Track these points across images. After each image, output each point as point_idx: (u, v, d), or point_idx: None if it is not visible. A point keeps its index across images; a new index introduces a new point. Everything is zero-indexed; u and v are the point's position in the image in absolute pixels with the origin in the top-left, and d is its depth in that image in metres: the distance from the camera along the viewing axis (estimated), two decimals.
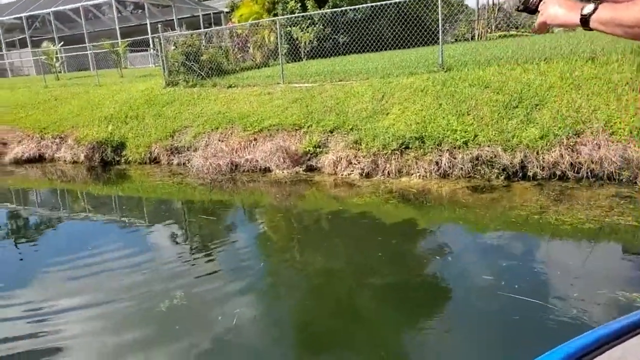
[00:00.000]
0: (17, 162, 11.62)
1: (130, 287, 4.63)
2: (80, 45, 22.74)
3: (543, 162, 6.65)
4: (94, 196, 9.01)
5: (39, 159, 11.58)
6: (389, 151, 7.56)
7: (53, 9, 25.24)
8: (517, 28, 16.40)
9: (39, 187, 10.11)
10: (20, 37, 29.72)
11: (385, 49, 12.28)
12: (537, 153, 6.70)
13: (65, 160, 11.10)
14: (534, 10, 1.29)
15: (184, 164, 9.56)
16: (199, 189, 8.41)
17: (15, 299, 4.63)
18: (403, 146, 7.53)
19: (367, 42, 12.08)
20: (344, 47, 12.89)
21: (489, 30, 17.74)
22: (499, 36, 16.04)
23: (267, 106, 9.65)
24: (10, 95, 15.72)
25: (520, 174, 6.79)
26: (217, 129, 9.58)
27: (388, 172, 7.54)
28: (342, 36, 13.25)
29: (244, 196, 7.89)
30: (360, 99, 8.91)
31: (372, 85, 9.19)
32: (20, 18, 26.45)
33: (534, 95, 7.44)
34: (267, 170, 8.46)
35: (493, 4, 20.58)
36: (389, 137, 7.66)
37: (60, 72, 20.16)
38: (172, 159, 9.77)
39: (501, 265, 4.52)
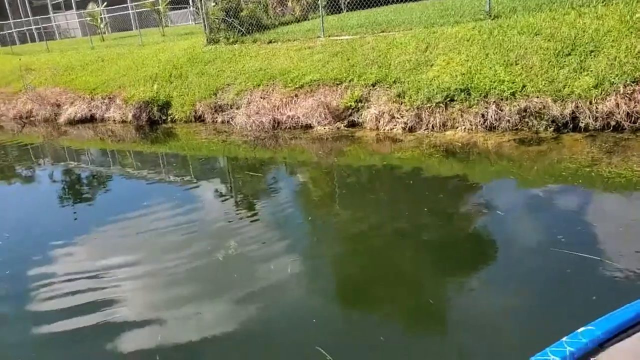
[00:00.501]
0: (71, 122, 12.18)
1: (183, 242, 4.86)
2: (123, 5, 23.03)
3: (596, 112, 6.36)
4: (143, 155, 9.36)
5: (90, 119, 12.09)
6: (434, 104, 7.42)
7: None
8: None
9: (90, 147, 10.59)
10: None
11: None
12: (590, 103, 6.40)
13: (114, 120, 11.55)
14: None
15: (227, 121, 9.74)
16: (243, 147, 8.58)
17: (72, 256, 4.97)
18: (448, 99, 7.36)
19: None
20: None
21: None
22: None
23: (308, 61, 9.57)
24: (60, 57, 16.25)
25: (571, 126, 6.53)
26: (258, 85, 9.64)
27: (432, 125, 7.43)
28: None
29: (287, 153, 8.00)
30: (403, 50, 8.69)
31: (415, 36, 8.91)
32: None
33: (589, 41, 7.02)
34: (308, 126, 8.51)
35: None
36: (433, 90, 7.50)
37: (104, 33, 20.56)
38: (216, 117, 9.96)
39: (552, 220, 4.44)
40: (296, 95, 8.90)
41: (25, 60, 16.45)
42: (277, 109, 8.92)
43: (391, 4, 12.61)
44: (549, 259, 3.75)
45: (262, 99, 9.29)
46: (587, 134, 6.42)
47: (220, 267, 4.25)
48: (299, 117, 8.55)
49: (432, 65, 8.05)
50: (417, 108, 7.54)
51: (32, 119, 13.54)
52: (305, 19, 13.36)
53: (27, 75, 14.80)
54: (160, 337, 3.34)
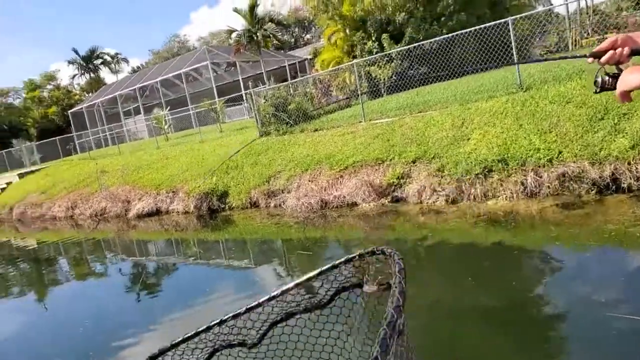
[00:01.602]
0: (139, 216, 13.37)
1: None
2: (184, 108, 25.51)
3: (637, 172, 6.46)
4: (204, 242, 10.15)
5: (156, 212, 13.23)
6: (473, 175, 7.75)
7: (160, 78, 28.66)
8: (617, 29, 15.63)
9: (156, 238, 11.57)
10: (134, 105, 33.90)
11: (463, 75, 12.49)
12: (629, 164, 6.53)
13: (177, 212, 12.59)
14: (613, 87, 1.50)
15: (279, 205, 10.44)
16: (295, 227, 9.14)
17: (143, 345, 5.49)
18: (486, 170, 7.68)
19: (444, 70, 12.40)
20: (421, 78, 13.32)
21: (585, 36, 17.04)
22: (597, 40, 15.38)
23: (351, 144, 10.29)
24: (130, 158, 18.09)
25: (613, 187, 6.63)
26: (306, 170, 10.38)
27: (474, 196, 7.71)
28: (419, 68, 13.70)
29: (336, 231, 8.47)
30: (440, 127, 9.22)
31: (451, 113, 9.47)
32: (134, 89, 30.30)
33: (622, 105, 7.26)
34: (354, 204, 9.01)
35: (587, 6, 19.74)
36: (471, 162, 7.87)
37: (168, 133, 22.73)
38: (269, 202, 10.71)
39: (605, 283, 4.45)
40: (341, 177, 9.52)
41: (101, 163, 18.40)
42: (324, 190, 9.53)
43: (427, 84, 13.42)
44: (608, 325, 3.68)
45: (310, 182, 9.97)
46: (631, 194, 6.47)
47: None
48: (344, 196, 9.09)
49: (468, 139, 8.48)
50: (457, 180, 7.89)
51: (105, 215, 14.93)
52: (348, 106, 14.39)
53: (101, 176, 16.53)
54: None
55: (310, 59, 29.25)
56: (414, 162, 8.76)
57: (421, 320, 4.59)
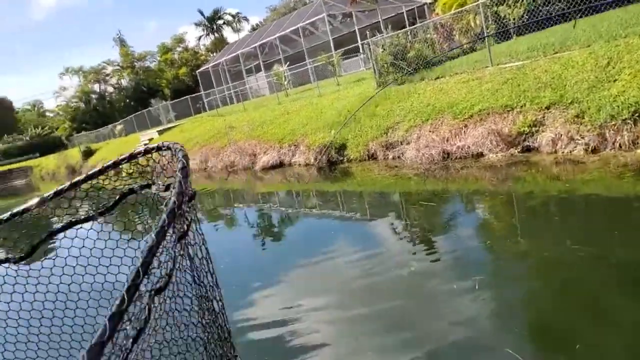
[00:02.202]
0: (264, 168, 14.25)
1: (367, 282, 5.16)
2: (302, 63, 26.04)
3: None
4: (324, 194, 10.53)
5: (280, 165, 13.98)
6: (619, 121, 6.98)
7: (278, 34, 29.43)
8: None
9: (280, 189, 12.27)
10: (255, 63, 35.40)
11: (610, 8, 10.99)
12: None
13: (299, 164, 13.17)
14: None
15: (398, 157, 10.40)
16: (414, 180, 9.08)
17: (269, 294, 5.94)
18: (637, 114, 6.85)
19: (587, 2, 11.00)
20: (558, 15, 11.99)
21: None
22: None
23: (476, 91, 9.77)
24: (254, 114, 19.14)
25: None
26: (427, 120, 10.13)
27: (619, 144, 6.97)
28: (556, 3, 12.33)
29: (459, 183, 8.25)
30: (580, 69, 8.34)
31: (594, 52, 8.48)
32: (255, 47, 31.56)
33: None
34: (479, 155, 8.65)
35: None
36: (618, 106, 7.07)
37: (288, 89, 23.49)
38: (388, 154, 10.71)
39: None
40: (465, 126, 9.15)
41: (229, 120, 19.73)
42: (446, 141, 9.26)
43: (565, 21, 12.06)
44: None
45: (430, 133, 9.74)
46: None
47: (406, 308, 4.34)
48: (469, 147, 8.76)
49: (615, 81, 7.57)
50: (600, 127, 7.16)
51: (234, 168, 16.15)
52: (473, 50, 13.56)
53: (230, 132, 17.77)
54: None
55: (429, 3, 27.81)
56: (547, 108, 8.09)
57: (552, 277, 4.40)
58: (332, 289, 5.20)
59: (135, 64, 55.12)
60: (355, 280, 5.23)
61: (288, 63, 26.67)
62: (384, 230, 6.94)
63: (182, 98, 34.48)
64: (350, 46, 25.75)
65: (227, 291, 5.67)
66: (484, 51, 11.74)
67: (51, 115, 71.37)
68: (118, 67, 55.56)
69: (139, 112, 37.92)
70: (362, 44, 17.99)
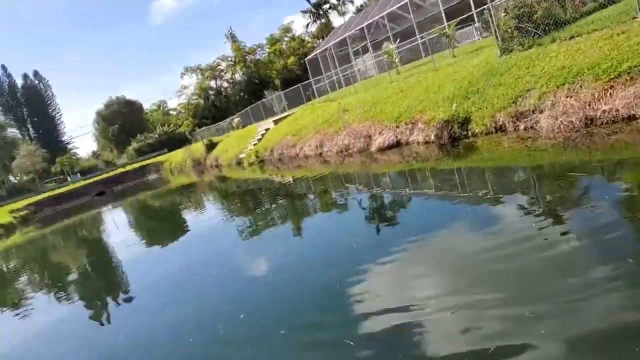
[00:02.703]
0: (380, 149, 14.13)
1: (492, 269, 4.86)
2: (411, 39, 25.33)
3: None
4: (446, 172, 10.12)
5: (396, 145, 13.75)
6: None
7: (385, 12, 28.89)
8: None
9: (397, 170, 12.05)
10: (362, 44, 35.19)
11: None
12: None
13: (418, 142, 12.83)
14: None
15: (530, 127, 9.64)
16: (551, 151, 8.34)
17: (380, 275, 5.85)
18: None
19: None
20: None
21: None
22: None
23: (623, 47, 8.67)
24: (365, 95, 19.05)
25: None
26: (562, 85, 9.25)
27: None
28: None
29: (608, 150, 7.38)
30: None
31: None
32: (361, 28, 31.35)
33: None
34: (632, 118, 7.68)
35: None
36: None
37: (398, 67, 22.99)
38: (518, 125, 9.98)
39: None
40: (611, 87, 8.18)
41: (342, 103, 19.86)
42: (588, 105, 8.37)
43: None
44: None
45: (568, 98, 8.87)
46: None
47: (545, 296, 3.95)
48: (617, 110, 7.83)
49: None
50: None
51: (349, 151, 16.24)
52: (612, 2, 12.06)
53: (343, 115, 17.88)
54: None
55: None
56: None
57: None
58: (454, 273, 4.98)
59: (247, 57, 57.86)
60: (482, 264, 4.90)
61: (398, 40, 26.08)
62: (513, 210, 6.22)
63: (293, 87, 35.51)
64: (463, 16, 24.44)
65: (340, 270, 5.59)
66: (628, 1, 10.38)
67: (174, 113, 77.94)
68: (231, 62, 58.77)
69: (254, 104, 39.85)
70: (481, 10, 16.95)
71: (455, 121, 11.59)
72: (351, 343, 4.10)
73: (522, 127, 9.89)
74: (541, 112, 9.44)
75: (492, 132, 10.63)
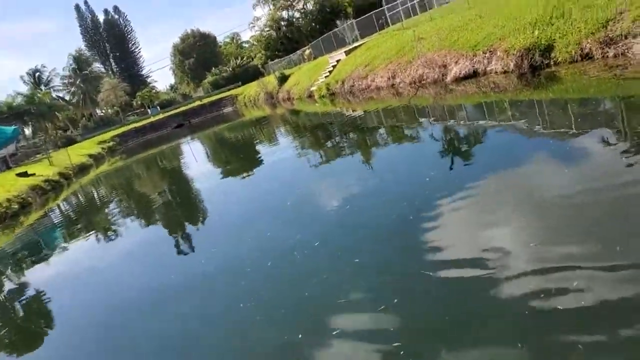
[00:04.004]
0: (456, 80, 13.76)
1: (583, 215, 4.88)
2: None
3: None
4: (525, 104, 9.77)
5: (473, 75, 13.32)
6: None
7: None
8: None
9: (474, 102, 11.78)
10: None
11: None
12: None
13: (496, 72, 12.36)
14: None
15: (622, 54, 9.02)
16: None
17: (459, 216, 5.93)
18: None
19: None
20: None
21: None
22: None
23: None
24: (442, 23, 18.25)
25: None
26: None
27: None
28: None
29: None
30: None
31: None
32: None
33: None
34: None
35: None
36: None
37: None
38: (607, 52, 9.35)
39: None
40: None
41: (417, 31, 19.18)
42: None
43: None
44: None
45: None
46: None
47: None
48: None
49: None
50: None
51: (423, 82, 15.93)
52: None
53: (418, 44, 17.36)
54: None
55: None
56: None
57: None
58: (533, 213, 4.76)
59: None
60: (564, 205, 4.70)
61: None
62: (604, 142, 5.89)
63: (366, 15, 34.44)
64: None
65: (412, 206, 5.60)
66: None
67: (247, 46, 78.54)
68: None
69: (325, 35, 39.25)
70: None
71: (536, 49, 10.99)
72: (429, 274, 4.19)
73: (611, 54, 9.25)
74: (635, 37, 8.77)
75: (577, 60, 10.03)
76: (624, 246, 3.60)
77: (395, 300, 4.00)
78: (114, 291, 6.97)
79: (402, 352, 3.33)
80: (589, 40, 9.73)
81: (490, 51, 12.84)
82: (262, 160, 14.65)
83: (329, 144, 13.47)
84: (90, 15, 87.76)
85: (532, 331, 3.11)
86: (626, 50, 8.87)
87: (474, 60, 13.33)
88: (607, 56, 9.34)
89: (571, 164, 5.61)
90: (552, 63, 10.67)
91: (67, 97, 75.81)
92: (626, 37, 8.96)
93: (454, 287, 3.98)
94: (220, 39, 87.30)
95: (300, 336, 3.98)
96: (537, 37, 11.18)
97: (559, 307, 3.20)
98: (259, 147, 18.13)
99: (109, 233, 11.11)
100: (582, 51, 9.91)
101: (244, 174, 13.13)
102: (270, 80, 42.46)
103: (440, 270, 4.24)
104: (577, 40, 10.05)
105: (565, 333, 3.01)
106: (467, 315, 3.54)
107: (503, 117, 9.37)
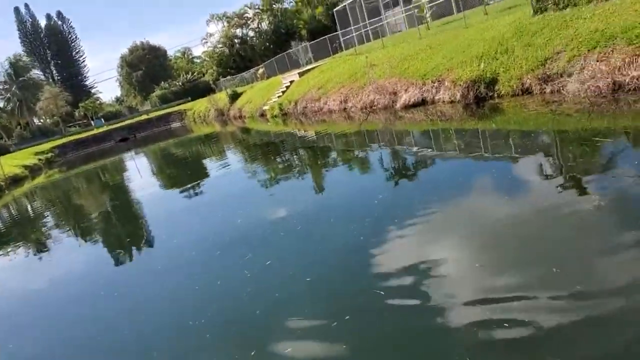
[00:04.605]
0: (406, 107, 14.32)
1: (513, 234, 5.26)
2: None
3: None
4: (469, 133, 10.31)
5: (422, 103, 13.92)
6: None
7: None
8: None
9: (420, 129, 12.27)
10: None
11: None
12: None
13: (443, 101, 12.97)
14: None
15: (557, 91, 9.74)
16: (575, 116, 8.50)
17: (405, 237, 6.23)
18: None
19: None
20: None
21: None
22: None
23: None
24: (393, 51, 18.98)
25: None
26: (593, 48, 9.25)
27: None
28: None
29: (633, 118, 7.52)
30: None
31: None
32: None
33: None
34: None
35: None
36: None
37: (428, 22, 22.64)
38: (545, 88, 10.07)
39: None
40: None
41: (370, 57, 19.81)
42: (618, 71, 8.44)
43: None
44: None
45: (598, 62, 8.91)
46: None
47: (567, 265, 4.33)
48: None
49: None
50: None
51: (374, 107, 16.44)
52: None
53: (370, 70, 17.93)
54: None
55: None
56: None
57: None
58: (474, 233, 5.14)
59: (274, 5, 57.00)
60: (502, 227, 5.09)
61: None
62: (533, 173, 6.46)
63: (320, 39, 35.20)
64: None
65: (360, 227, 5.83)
66: None
67: (199, 61, 77.97)
68: (258, 10, 58.02)
69: (279, 55, 39.72)
70: None
71: (482, 81, 11.68)
72: (381, 293, 4.36)
73: (548, 90, 9.98)
74: (569, 75, 9.51)
75: (518, 94, 10.73)
76: (559, 266, 3.92)
77: (347, 317, 4.13)
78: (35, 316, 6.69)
79: None
80: (529, 76, 10.45)
81: (438, 81, 13.49)
82: (210, 178, 14.54)
83: (280, 163, 13.57)
84: (30, 20, 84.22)
85: (473, 351, 3.31)
86: (561, 88, 9.59)
87: (423, 89, 13.94)
88: (545, 92, 10.06)
89: (510, 191, 6.02)
90: (495, 95, 11.35)
91: (0, 104, 72.06)
92: (562, 76, 9.70)
93: (402, 304, 4.15)
94: (170, 52, 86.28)
95: (253, 353, 4.01)
96: (483, 70, 11.87)
97: (499, 336, 3.39)
98: (207, 164, 17.96)
99: (40, 249, 10.64)
100: (522, 86, 10.62)
101: (191, 193, 12.96)
102: (222, 97, 42.28)
103: (388, 289, 4.41)
104: (518, 75, 10.77)
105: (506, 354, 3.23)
106: (409, 333, 3.74)
107: (449, 144, 9.86)
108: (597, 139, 7.01)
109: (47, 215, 15.27)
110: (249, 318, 4.63)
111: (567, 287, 3.65)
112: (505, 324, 3.43)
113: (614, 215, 4.68)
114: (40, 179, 29.37)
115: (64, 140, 51.50)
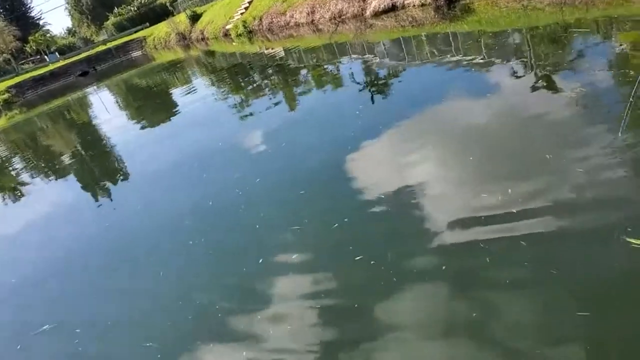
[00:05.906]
0: (376, 14, 13.94)
1: (493, 138, 5.33)
2: None
3: None
4: (440, 37, 10.16)
5: (392, 8, 13.54)
6: None
7: None
8: None
9: (391, 36, 12.02)
10: None
11: None
12: None
13: (414, 5, 12.67)
14: None
15: None
16: (548, 10, 8.42)
17: (377, 147, 6.28)
18: None
19: None
20: None
21: None
22: None
23: None
24: None
25: None
26: None
27: None
28: None
29: (608, 9, 7.47)
30: None
31: None
32: None
33: None
34: None
35: None
36: None
37: None
38: None
39: None
40: None
41: None
42: None
43: None
44: None
45: None
46: None
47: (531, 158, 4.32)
48: None
49: None
50: None
51: (343, 17, 15.96)
52: None
53: None
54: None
55: None
56: None
57: None
58: (451, 140, 5.22)
59: None
60: (478, 132, 5.15)
61: None
62: (506, 76, 6.51)
63: None
64: None
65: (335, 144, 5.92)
66: None
67: None
68: None
69: None
70: None
71: None
72: (370, 198, 4.54)
73: None
74: None
75: None
76: (531, 163, 4.11)
77: (345, 220, 4.32)
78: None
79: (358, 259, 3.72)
80: None
81: None
82: (181, 107, 14.25)
83: (250, 85, 13.31)
84: None
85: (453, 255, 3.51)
86: None
87: None
88: None
89: (484, 94, 6.09)
90: None
91: None
92: None
93: (389, 207, 4.38)
94: None
95: (260, 261, 4.18)
96: None
97: (480, 237, 3.54)
98: (175, 93, 17.52)
99: (15, 195, 10.56)
100: None
101: (165, 122, 12.74)
102: (181, 19, 40.35)
103: (379, 194, 4.58)
104: None
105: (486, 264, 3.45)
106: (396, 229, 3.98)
107: (421, 51, 9.77)
108: (572, 30, 7.03)
109: (16, 161, 14.99)
110: (249, 231, 4.78)
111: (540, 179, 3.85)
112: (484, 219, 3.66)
113: (586, 114, 4.72)
114: (1, 122, 28.45)
115: (19, 79, 49.19)
